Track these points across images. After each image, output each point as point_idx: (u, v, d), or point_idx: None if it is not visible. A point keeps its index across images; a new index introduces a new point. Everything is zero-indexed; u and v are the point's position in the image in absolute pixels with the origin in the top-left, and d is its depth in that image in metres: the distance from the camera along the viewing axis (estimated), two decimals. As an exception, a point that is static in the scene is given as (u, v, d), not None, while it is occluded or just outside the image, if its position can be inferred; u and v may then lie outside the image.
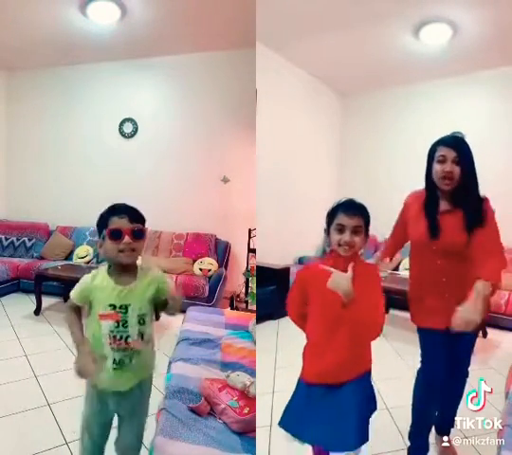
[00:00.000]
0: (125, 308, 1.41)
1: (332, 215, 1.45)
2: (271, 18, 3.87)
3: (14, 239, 5.36)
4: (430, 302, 1.78)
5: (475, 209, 1.68)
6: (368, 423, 1.43)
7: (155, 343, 1.56)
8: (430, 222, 1.74)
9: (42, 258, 5.16)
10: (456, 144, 1.68)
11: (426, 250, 1.78)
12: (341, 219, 1.42)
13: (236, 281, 4.87)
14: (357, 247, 1.42)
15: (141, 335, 1.45)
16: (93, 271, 1.48)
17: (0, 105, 5.69)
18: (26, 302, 4.42)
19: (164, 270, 5.12)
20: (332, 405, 1.42)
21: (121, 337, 1.41)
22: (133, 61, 5.23)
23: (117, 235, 1.36)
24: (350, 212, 1.42)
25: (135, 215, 1.41)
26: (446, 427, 2.03)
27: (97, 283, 1.43)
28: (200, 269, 4.71)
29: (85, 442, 1.61)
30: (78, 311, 1.49)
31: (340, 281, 1.32)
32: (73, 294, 1.46)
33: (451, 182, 1.67)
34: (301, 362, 1.55)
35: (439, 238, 1.72)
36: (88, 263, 5.00)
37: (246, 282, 4.51)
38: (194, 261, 4.84)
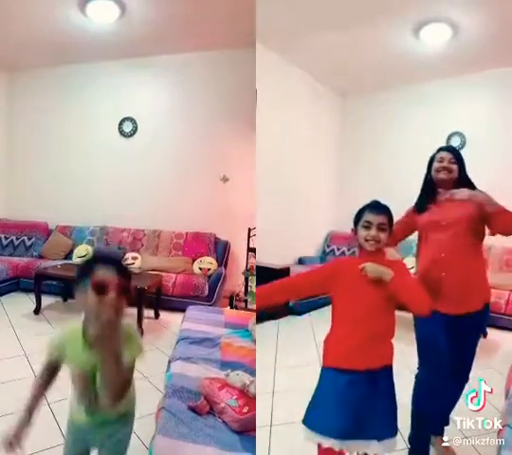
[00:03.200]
0: (94, 372, 1.26)
1: (359, 215, 1.58)
2: (271, 18, 3.87)
3: (14, 238, 5.35)
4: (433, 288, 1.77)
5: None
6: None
7: (134, 390, 1.48)
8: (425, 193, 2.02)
9: (41, 257, 5.16)
10: (453, 150, 2.03)
11: (434, 229, 1.91)
12: (368, 216, 1.54)
13: (236, 280, 4.87)
14: (382, 243, 1.53)
15: None
16: (68, 327, 1.34)
17: (0, 105, 5.69)
18: (25, 302, 4.42)
19: (164, 270, 5.11)
20: (365, 391, 1.45)
21: (89, 393, 1.31)
22: (132, 60, 5.22)
23: (101, 289, 1.19)
24: (376, 211, 1.55)
25: (122, 267, 1.27)
26: (440, 427, 2.03)
27: (72, 345, 1.30)
28: (200, 268, 4.71)
29: None
30: (53, 371, 1.37)
31: (373, 268, 1.48)
32: (49, 345, 1.34)
33: (449, 173, 1.95)
34: (324, 352, 1.57)
35: (446, 216, 1.89)
36: (88, 262, 5.00)
37: (246, 282, 4.51)
38: (194, 260, 4.84)
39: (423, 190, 2.06)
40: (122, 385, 1.24)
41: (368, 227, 1.53)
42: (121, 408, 1.38)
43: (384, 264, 1.52)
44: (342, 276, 1.55)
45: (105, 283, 1.19)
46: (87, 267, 1.24)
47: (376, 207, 1.58)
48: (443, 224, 1.89)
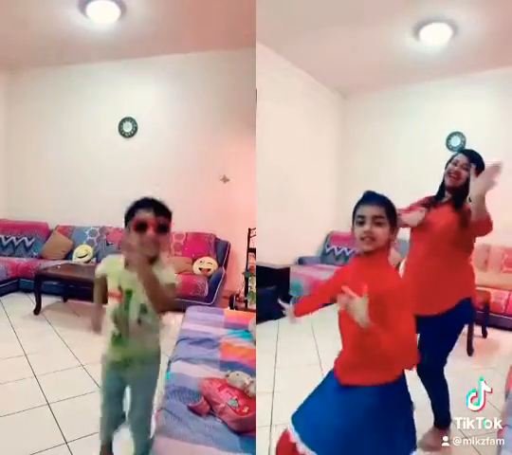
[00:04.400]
0: (130, 293, 1.49)
1: (355, 211, 1.37)
2: (271, 18, 3.87)
3: (14, 238, 5.35)
4: None
5: (461, 202, 1.86)
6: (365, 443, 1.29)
7: (159, 332, 1.65)
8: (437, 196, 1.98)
9: (41, 257, 5.15)
10: (471, 154, 1.91)
11: (420, 233, 1.93)
12: (361, 210, 1.33)
13: (236, 280, 4.86)
14: (380, 241, 1.29)
15: (139, 321, 1.51)
16: (111, 258, 1.62)
17: (0, 105, 5.69)
18: (25, 302, 4.41)
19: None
20: (337, 403, 1.36)
21: (121, 317, 1.51)
22: (132, 60, 5.22)
23: (141, 227, 1.42)
24: (369, 202, 1.34)
25: (161, 209, 1.47)
26: (443, 420, 2.04)
27: (113, 267, 1.55)
28: (200, 269, 4.71)
29: (103, 410, 1.75)
30: (102, 282, 1.65)
31: (357, 306, 1.19)
32: (96, 270, 1.67)
33: (455, 180, 1.90)
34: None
35: (435, 223, 1.89)
36: (88, 262, 5.00)
37: (246, 282, 4.50)
38: (194, 260, 4.84)
39: (438, 190, 2.00)
40: (163, 301, 1.42)
41: (362, 222, 1.31)
42: (148, 346, 1.62)
43: (381, 275, 1.28)
44: (344, 283, 1.39)
45: (144, 223, 1.42)
46: (131, 210, 1.48)
47: (370, 197, 1.36)
48: (425, 228, 1.89)
